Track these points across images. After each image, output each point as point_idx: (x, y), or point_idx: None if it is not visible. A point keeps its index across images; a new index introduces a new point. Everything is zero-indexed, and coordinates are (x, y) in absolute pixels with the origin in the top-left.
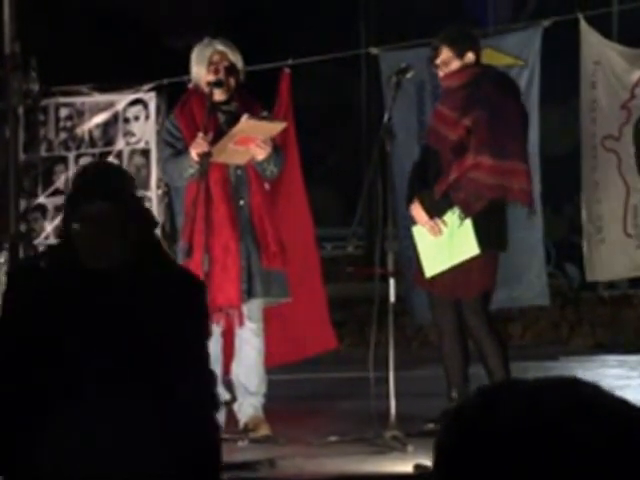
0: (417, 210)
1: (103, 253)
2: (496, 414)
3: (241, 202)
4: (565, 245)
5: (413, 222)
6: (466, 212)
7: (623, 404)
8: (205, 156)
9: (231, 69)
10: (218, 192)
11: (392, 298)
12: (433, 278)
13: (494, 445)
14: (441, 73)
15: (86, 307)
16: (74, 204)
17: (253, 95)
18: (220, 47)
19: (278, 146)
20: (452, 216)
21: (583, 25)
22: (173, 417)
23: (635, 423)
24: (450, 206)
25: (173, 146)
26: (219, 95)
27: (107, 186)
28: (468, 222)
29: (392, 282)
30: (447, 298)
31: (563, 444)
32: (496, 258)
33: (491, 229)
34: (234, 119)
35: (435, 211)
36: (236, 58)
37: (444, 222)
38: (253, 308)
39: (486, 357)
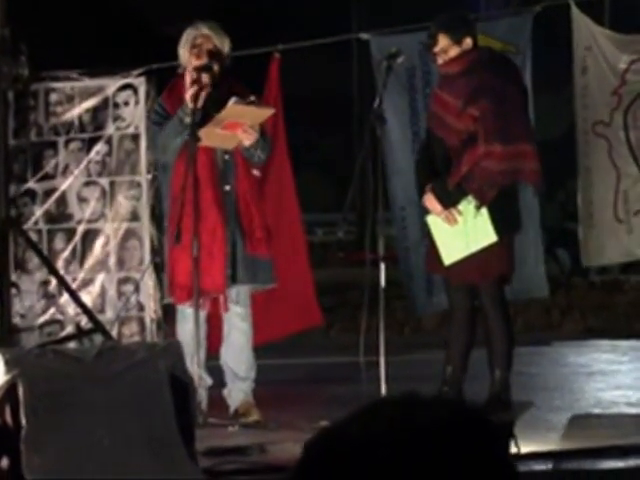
0: (431, 201)
1: None
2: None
3: (227, 187)
4: (556, 230)
5: (427, 212)
6: (481, 201)
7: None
8: (195, 97)
9: (215, 53)
10: (205, 176)
11: (383, 283)
12: (450, 265)
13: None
14: (440, 60)
15: None
16: None
17: (241, 80)
18: (205, 30)
19: (265, 132)
20: (468, 205)
21: (574, 10)
22: None
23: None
24: (464, 195)
25: (161, 125)
26: (204, 79)
27: None
28: (484, 211)
29: (383, 267)
30: (464, 285)
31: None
32: (512, 241)
33: (505, 213)
34: (221, 104)
35: (449, 201)
36: (221, 42)
37: (459, 211)
38: (240, 293)
39: (495, 343)
